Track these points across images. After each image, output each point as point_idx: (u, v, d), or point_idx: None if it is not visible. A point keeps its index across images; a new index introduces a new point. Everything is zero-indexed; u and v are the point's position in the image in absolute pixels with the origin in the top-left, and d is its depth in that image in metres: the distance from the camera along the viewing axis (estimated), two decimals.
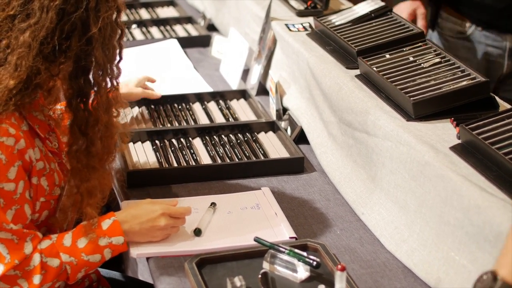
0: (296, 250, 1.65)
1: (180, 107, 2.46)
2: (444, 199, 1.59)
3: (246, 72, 2.68)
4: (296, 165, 2.12)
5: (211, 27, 3.23)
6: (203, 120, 2.39)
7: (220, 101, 2.52)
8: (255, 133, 2.29)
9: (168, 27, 3.26)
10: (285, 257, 1.64)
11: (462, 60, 2.63)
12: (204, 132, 2.27)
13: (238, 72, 2.66)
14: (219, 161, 2.13)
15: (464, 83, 1.86)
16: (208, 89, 2.65)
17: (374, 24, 2.30)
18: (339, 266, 1.51)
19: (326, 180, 2.08)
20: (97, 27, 1.54)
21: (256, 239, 1.70)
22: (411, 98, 1.83)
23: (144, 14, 3.46)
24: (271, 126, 2.32)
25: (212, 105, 2.50)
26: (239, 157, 2.15)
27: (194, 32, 3.19)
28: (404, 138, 1.75)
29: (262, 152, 2.18)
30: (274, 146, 2.21)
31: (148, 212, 1.71)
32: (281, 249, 1.65)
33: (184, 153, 2.17)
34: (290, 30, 2.48)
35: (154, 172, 2.04)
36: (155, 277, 1.68)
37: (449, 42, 2.79)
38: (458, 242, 1.55)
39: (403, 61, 2.02)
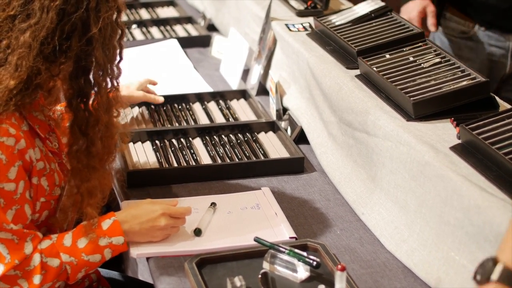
0: (296, 250, 1.65)
1: (180, 107, 2.46)
2: (444, 199, 1.59)
3: (246, 72, 2.69)
4: (296, 165, 2.12)
5: (211, 27, 3.23)
6: (203, 120, 2.39)
7: (220, 101, 2.52)
8: (255, 133, 2.29)
9: (168, 27, 3.26)
10: (285, 257, 1.64)
11: (465, 60, 2.63)
12: (204, 132, 2.27)
13: (238, 72, 2.66)
14: (219, 161, 2.13)
15: (464, 83, 1.86)
16: (208, 89, 2.65)
17: (374, 24, 2.30)
18: (339, 266, 1.51)
19: (326, 180, 2.08)
20: (98, 27, 1.54)
21: (256, 239, 1.70)
22: (411, 98, 1.83)
23: (144, 14, 3.46)
24: (271, 126, 2.32)
25: (212, 105, 2.50)
26: (239, 157, 2.15)
27: (194, 32, 3.19)
28: (404, 138, 1.75)
29: (262, 152, 2.18)
30: (274, 146, 2.21)
31: (148, 212, 1.71)
32: (281, 249, 1.65)
33: (184, 153, 2.17)
34: (290, 30, 2.48)
35: (154, 172, 2.04)
36: (155, 277, 1.68)
37: (452, 42, 2.79)
38: (458, 242, 1.55)
39: (403, 61, 2.02)
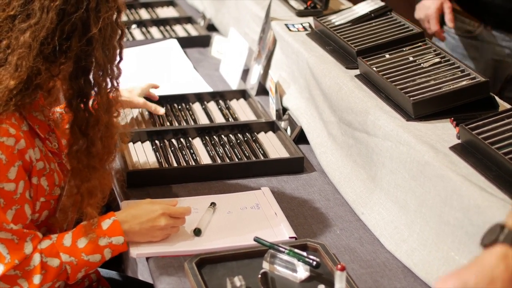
0: (296, 250, 1.65)
1: (180, 107, 2.47)
2: (444, 199, 1.59)
3: (246, 72, 2.69)
4: (296, 165, 2.12)
5: (211, 27, 3.23)
6: (203, 120, 2.39)
7: (220, 101, 2.52)
8: (255, 133, 2.29)
9: (168, 27, 3.26)
10: (285, 257, 1.64)
11: (470, 59, 2.62)
12: (204, 132, 2.27)
13: (238, 72, 2.66)
14: (219, 161, 2.13)
15: (464, 83, 1.86)
16: (208, 89, 2.65)
17: (374, 24, 2.30)
18: (339, 266, 1.51)
19: (326, 180, 2.08)
20: (98, 28, 1.54)
21: (256, 239, 1.70)
22: (411, 98, 1.83)
23: (144, 14, 3.46)
24: (271, 126, 2.32)
25: (212, 105, 2.50)
26: (239, 157, 2.15)
27: (194, 32, 3.19)
28: (404, 138, 1.75)
29: (262, 152, 2.18)
30: (274, 146, 2.22)
31: (148, 212, 1.71)
32: (281, 249, 1.65)
33: (184, 153, 2.17)
34: (290, 30, 2.48)
35: (154, 172, 2.04)
36: (155, 277, 1.68)
37: (457, 41, 2.79)
38: (458, 242, 1.56)
39: (403, 61, 2.02)
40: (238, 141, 2.23)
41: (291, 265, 1.64)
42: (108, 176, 1.71)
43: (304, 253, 1.65)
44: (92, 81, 1.60)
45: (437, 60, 1.99)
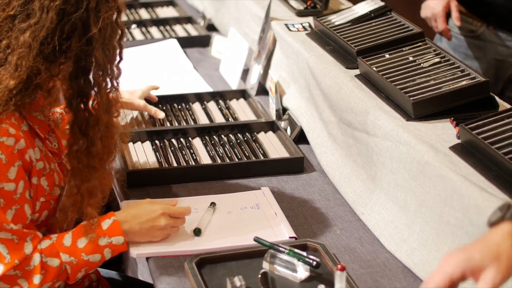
0: (296, 250, 1.65)
1: (179, 107, 2.46)
2: (444, 199, 1.59)
3: (245, 72, 2.69)
4: (296, 165, 2.12)
5: (211, 27, 3.23)
6: (203, 120, 2.39)
7: (220, 101, 2.52)
8: (255, 133, 2.29)
9: (168, 27, 3.26)
10: (285, 257, 1.64)
11: (472, 59, 2.62)
12: (204, 132, 2.27)
13: (237, 72, 2.66)
14: (219, 161, 2.13)
15: (464, 83, 1.86)
16: (208, 89, 2.65)
17: (373, 24, 2.30)
18: (339, 266, 1.51)
19: (326, 180, 2.08)
20: (97, 28, 1.54)
21: (256, 239, 1.70)
22: (411, 98, 1.83)
23: (144, 14, 3.46)
24: (271, 126, 2.32)
25: (211, 105, 2.50)
26: (239, 157, 2.15)
27: (194, 32, 3.19)
28: (404, 138, 1.75)
29: (262, 152, 2.18)
30: (274, 146, 2.22)
31: (148, 212, 1.71)
32: (281, 249, 1.65)
33: (184, 153, 2.17)
34: (289, 30, 2.48)
35: (154, 172, 2.04)
36: (155, 277, 1.68)
37: (459, 41, 2.79)
38: (458, 242, 1.56)
39: (403, 61, 2.02)
40: (238, 141, 2.23)
41: (291, 265, 1.64)
42: (108, 176, 1.71)
43: (304, 253, 1.65)
44: (92, 81, 1.60)
45: (437, 60, 1.99)
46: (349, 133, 2.00)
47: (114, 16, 1.59)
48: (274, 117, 2.39)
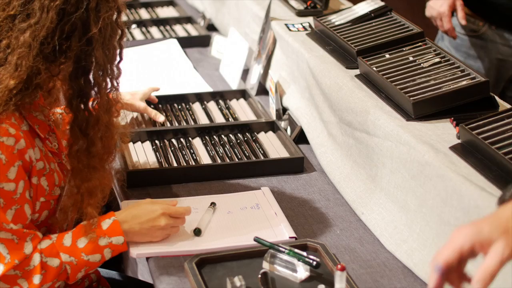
0: (296, 250, 1.65)
1: (180, 107, 2.46)
2: (444, 199, 1.59)
3: (246, 72, 2.69)
4: (296, 165, 2.12)
5: (211, 27, 3.23)
6: (203, 120, 2.39)
7: (220, 101, 2.52)
8: (255, 133, 2.29)
9: (168, 27, 3.26)
10: (285, 257, 1.64)
11: (474, 58, 2.62)
12: (204, 132, 2.27)
13: (238, 72, 2.66)
14: (219, 161, 2.13)
15: (464, 83, 1.86)
16: (208, 89, 2.65)
17: (373, 24, 2.30)
18: (339, 266, 1.51)
19: (326, 180, 2.08)
20: (98, 28, 1.54)
21: (256, 239, 1.70)
22: (411, 98, 1.83)
23: (144, 14, 3.46)
24: (271, 126, 2.32)
25: (212, 105, 2.50)
26: (239, 157, 2.15)
27: (194, 32, 3.19)
28: (404, 138, 1.75)
29: (262, 152, 2.18)
30: (274, 146, 2.21)
31: (148, 212, 1.71)
32: (281, 249, 1.65)
33: (184, 153, 2.17)
34: (290, 30, 2.48)
35: (154, 172, 2.04)
36: (155, 277, 1.68)
37: (461, 40, 2.79)
38: None
39: (403, 61, 2.02)
40: (238, 141, 2.23)
41: (291, 265, 1.64)
42: (108, 176, 1.71)
43: (304, 253, 1.65)
44: (92, 81, 1.60)
45: (437, 60, 1.99)
46: (349, 133, 2.00)
47: (114, 16, 1.59)
48: (274, 117, 2.39)
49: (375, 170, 1.88)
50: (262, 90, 2.60)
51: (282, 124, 2.34)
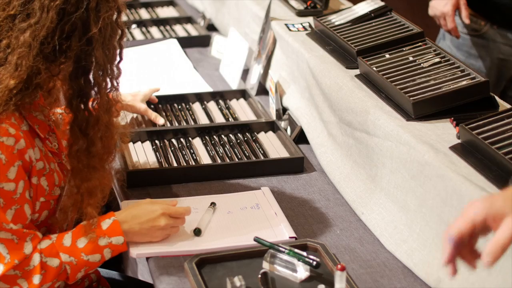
0: (296, 250, 1.65)
1: (179, 107, 2.46)
2: (444, 198, 1.59)
3: (246, 72, 2.69)
4: (296, 165, 2.12)
5: (211, 27, 3.23)
6: (203, 120, 2.39)
7: (220, 101, 2.52)
8: (255, 133, 2.29)
9: (168, 27, 3.26)
10: (285, 257, 1.64)
11: (476, 58, 2.62)
12: (204, 132, 2.27)
13: (238, 72, 2.66)
14: (219, 161, 2.13)
15: (464, 83, 1.86)
16: (208, 89, 2.65)
17: (373, 24, 2.30)
18: (339, 266, 1.51)
19: (326, 180, 2.08)
20: (98, 27, 1.54)
21: (256, 239, 1.70)
22: (411, 98, 1.83)
23: (144, 14, 3.46)
24: (271, 126, 2.32)
25: (212, 105, 2.50)
26: (239, 157, 2.15)
27: (194, 32, 3.19)
28: (404, 138, 1.75)
29: (262, 152, 2.18)
30: (274, 146, 2.21)
31: (148, 212, 1.71)
32: (281, 249, 1.65)
33: (184, 153, 2.17)
34: (290, 30, 2.48)
35: (154, 172, 2.04)
36: (155, 277, 1.68)
37: (463, 39, 2.79)
38: None
39: (403, 61, 2.02)
40: (238, 141, 2.23)
41: (291, 265, 1.64)
42: (108, 176, 1.71)
43: (304, 253, 1.65)
44: (92, 81, 1.60)
45: (437, 60, 1.99)
46: (349, 133, 2.00)
47: (114, 16, 1.60)
48: (274, 117, 2.39)
49: (375, 170, 1.87)
50: (262, 90, 2.60)
51: (282, 124, 2.34)
